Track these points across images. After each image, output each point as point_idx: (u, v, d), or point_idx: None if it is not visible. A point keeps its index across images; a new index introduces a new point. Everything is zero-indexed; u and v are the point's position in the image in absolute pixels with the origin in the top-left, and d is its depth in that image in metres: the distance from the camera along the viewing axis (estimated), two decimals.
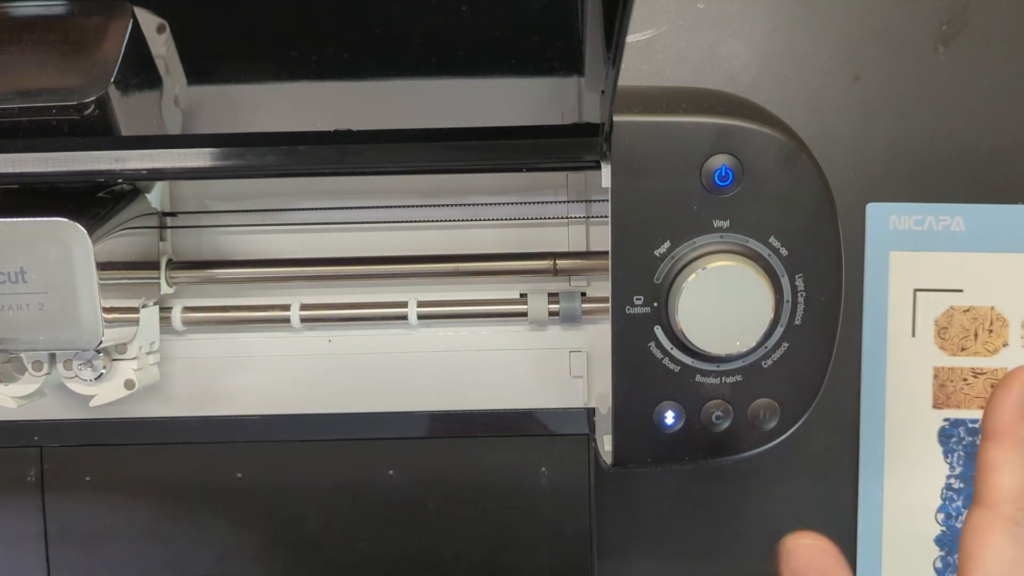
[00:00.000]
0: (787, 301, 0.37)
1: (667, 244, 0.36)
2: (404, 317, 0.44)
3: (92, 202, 0.39)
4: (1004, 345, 0.46)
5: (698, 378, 0.37)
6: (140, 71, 0.35)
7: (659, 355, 0.37)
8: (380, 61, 0.35)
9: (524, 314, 0.44)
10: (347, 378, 0.46)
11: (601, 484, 0.47)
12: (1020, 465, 0.31)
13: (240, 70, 0.36)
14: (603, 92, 0.34)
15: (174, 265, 0.44)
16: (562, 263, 0.44)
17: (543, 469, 0.47)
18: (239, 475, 0.48)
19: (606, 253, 0.37)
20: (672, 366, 0.37)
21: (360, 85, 0.36)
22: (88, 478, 0.48)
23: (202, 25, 0.35)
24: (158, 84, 0.36)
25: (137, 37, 0.34)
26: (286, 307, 0.45)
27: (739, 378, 0.37)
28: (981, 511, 0.31)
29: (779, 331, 0.37)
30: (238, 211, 0.45)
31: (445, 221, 0.45)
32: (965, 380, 0.46)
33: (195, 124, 0.37)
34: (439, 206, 0.45)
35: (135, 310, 0.41)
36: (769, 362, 0.37)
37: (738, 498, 0.48)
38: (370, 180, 0.45)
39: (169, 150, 0.37)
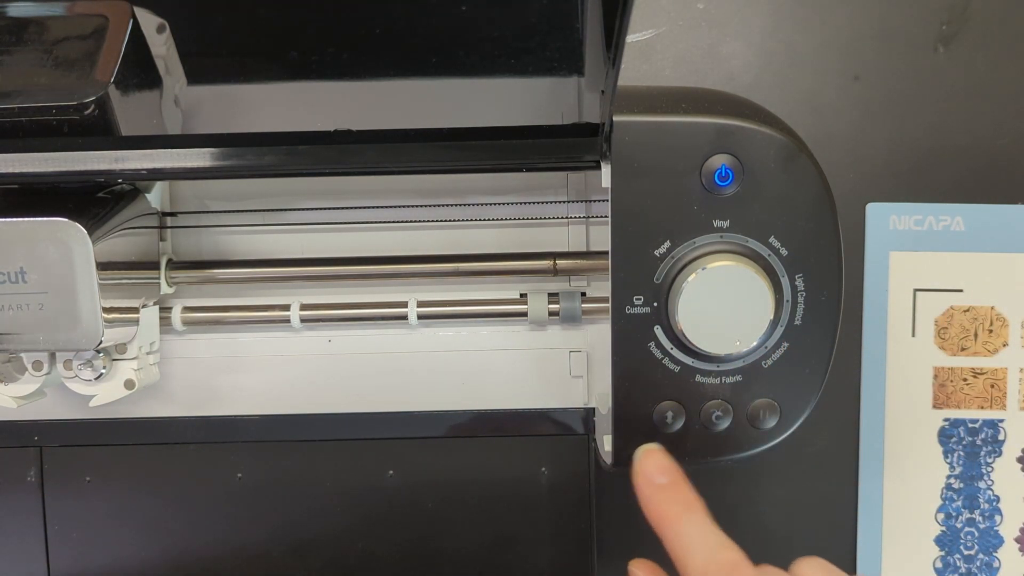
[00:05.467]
0: (787, 301, 0.37)
1: (667, 244, 0.36)
2: (404, 317, 0.44)
3: (92, 202, 0.39)
4: (1004, 345, 0.46)
5: (698, 378, 0.37)
6: (140, 71, 0.35)
7: (659, 355, 0.37)
8: (380, 61, 0.35)
9: (524, 314, 0.44)
10: (347, 378, 0.46)
11: (601, 484, 0.47)
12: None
13: (240, 70, 0.36)
14: (603, 92, 0.34)
15: (174, 265, 0.44)
16: (562, 263, 0.44)
17: (543, 469, 0.47)
18: (239, 475, 0.48)
19: (606, 253, 0.37)
20: (672, 366, 0.37)
21: (360, 85, 0.36)
22: (88, 478, 0.48)
23: (202, 25, 0.35)
24: (158, 84, 0.36)
25: (137, 37, 0.34)
26: (286, 307, 0.45)
27: (739, 378, 0.37)
28: None
29: (779, 331, 0.37)
30: (238, 211, 0.45)
31: (445, 221, 0.45)
32: (965, 380, 0.46)
33: (195, 124, 0.37)
34: (439, 206, 0.45)
35: (135, 310, 0.41)
36: (769, 362, 0.37)
37: (738, 498, 0.48)
38: (370, 180, 0.45)
39: (169, 150, 0.37)
